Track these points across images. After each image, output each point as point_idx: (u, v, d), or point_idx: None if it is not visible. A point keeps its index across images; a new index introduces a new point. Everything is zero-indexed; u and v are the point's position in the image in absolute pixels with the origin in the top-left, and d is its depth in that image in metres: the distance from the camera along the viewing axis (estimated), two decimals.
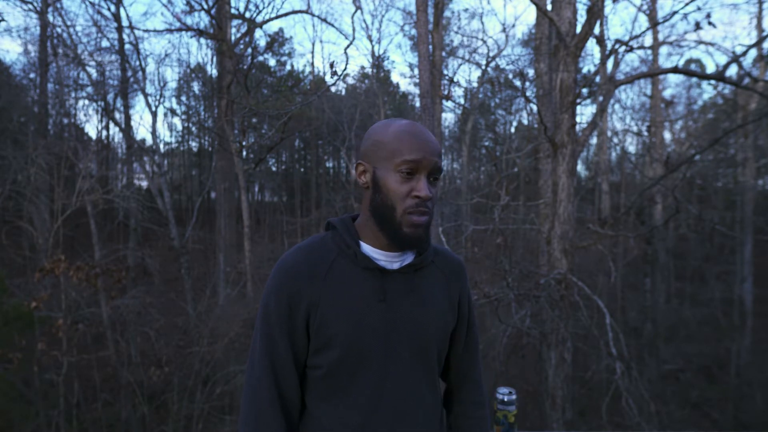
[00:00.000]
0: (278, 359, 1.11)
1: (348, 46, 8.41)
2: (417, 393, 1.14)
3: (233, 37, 11.51)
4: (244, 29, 11.61)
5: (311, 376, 1.14)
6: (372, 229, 1.14)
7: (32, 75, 15.31)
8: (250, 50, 11.52)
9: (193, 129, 22.34)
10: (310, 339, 1.12)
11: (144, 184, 18.00)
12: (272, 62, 20.08)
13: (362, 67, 24.77)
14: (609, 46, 6.47)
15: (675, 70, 5.57)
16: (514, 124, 22.76)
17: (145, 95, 14.01)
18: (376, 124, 1.16)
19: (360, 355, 1.09)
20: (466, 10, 30.39)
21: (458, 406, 1.31)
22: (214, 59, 15.63)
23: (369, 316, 1.10)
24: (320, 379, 1.12)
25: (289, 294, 1.10)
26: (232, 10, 11.64)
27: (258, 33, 14.94)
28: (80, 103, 16.43)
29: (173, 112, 20.81)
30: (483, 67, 14.56)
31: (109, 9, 13.20)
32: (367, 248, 1.15)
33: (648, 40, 11.83)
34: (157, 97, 16.11)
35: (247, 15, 11.66)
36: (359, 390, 1.10)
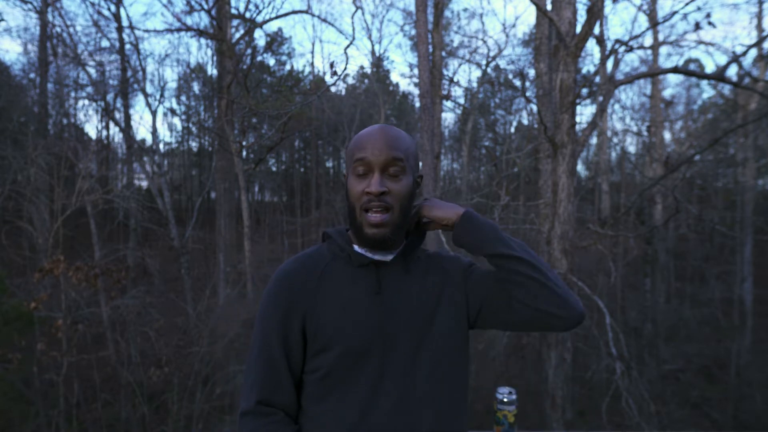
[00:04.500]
0: (274, 363, 1.12)
1: (348, 46, 8.43)
2: (420, 388, 1.10)
3: (233, 37, 11.51)
4: (243, 29, 11.61)
5: (309, 380, 1.13)
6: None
7: (32, 75, 15.35)
8: (250, 50, 11.52)
9: (193, 129, 22.34)
10: (308, 345, 1.12)
11: (144, 184, 18.00)
12: (272, 62, 20.10)
13: (362, 67, 24.77)
14: (609, 46, 6.48)
15: (675, 70, 5.57)
16: (514, 124, 22.75)
17: (145, 95, 14.02)
18: None
19: (357, 351, 1.08)
20: (466, 10, 30.40)
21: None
22: (214, 59, 15.68)
23: (364, 310, 1.10)
24: (318, 380, 1.11)
25: (284, 303, 1.12)
26: (232, 10, 11.63)
27: (258, 33, 14.95)
28: (80, 103, 16.51)
29: (173, 112, 20.85)
30: (483, 67, 14.59)
31: (109, 9, 13.25)
32: (360, 250, 1.16)
33: (648, 40, 11.86)
34: (157, 97, 16.12)
35: (247, 15, 11.65)
36: (357, 386, 1.08)
